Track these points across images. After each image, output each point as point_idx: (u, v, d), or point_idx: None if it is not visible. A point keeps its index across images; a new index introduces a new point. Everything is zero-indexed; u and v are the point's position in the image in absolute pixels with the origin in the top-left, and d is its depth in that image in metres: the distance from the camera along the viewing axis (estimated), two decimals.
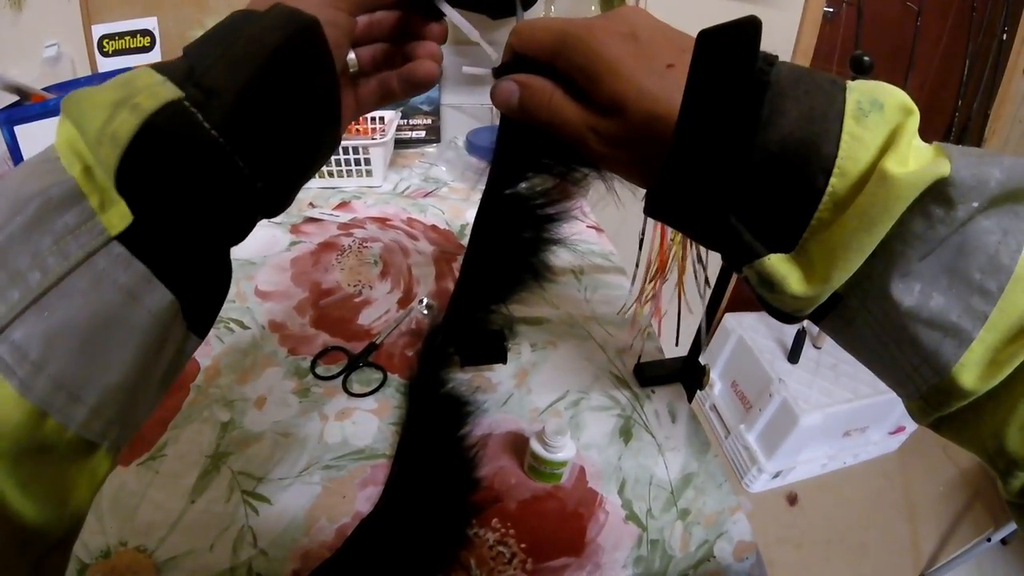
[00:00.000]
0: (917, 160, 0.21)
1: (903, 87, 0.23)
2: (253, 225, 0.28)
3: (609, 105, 0.26)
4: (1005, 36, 1.54)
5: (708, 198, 0.24)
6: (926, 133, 0.22)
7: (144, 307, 0.23)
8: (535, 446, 0.54)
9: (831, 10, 1.43)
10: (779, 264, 0.23)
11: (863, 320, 0.24)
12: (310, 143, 0.29)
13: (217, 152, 0.23)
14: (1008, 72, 1.61)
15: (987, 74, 1.58)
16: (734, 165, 0.23)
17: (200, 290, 0.26)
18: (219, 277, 0.28)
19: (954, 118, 1.62)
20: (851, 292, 0.24)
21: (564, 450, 0.54)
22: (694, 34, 0.28)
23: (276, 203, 0.28)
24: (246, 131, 0.24)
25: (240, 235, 0.28)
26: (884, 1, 1.47)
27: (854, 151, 0.22)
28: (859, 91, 0.22)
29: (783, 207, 0.23)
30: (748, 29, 0.22)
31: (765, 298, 0.26)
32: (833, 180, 0.22)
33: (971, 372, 0.21)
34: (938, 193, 0.21)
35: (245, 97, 0.24)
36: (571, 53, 0.27)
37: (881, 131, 0.22)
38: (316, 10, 0.27)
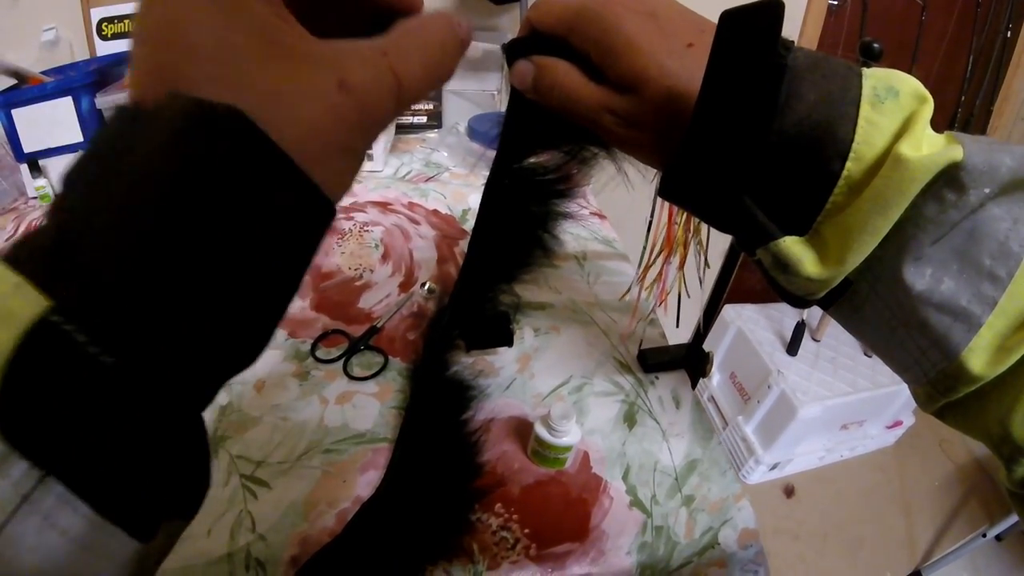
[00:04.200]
0: (930, 146, 0.22)
1: None
2: (218, 388, 0.20)
3: (627, 82, 0.26)
4: (1009, 33, 1.54)
5: (724, 179, 0.24)
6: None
7: (104, 559, 0.17)
8: (540, 431, 0.53)
9: (835, 2, 1.42)
10: (794, 246, 0.23)
11: (873, 304, 0.24)
12: (280, 290, 0.20)
13: (118, 378, 0.15)
14: (1011, 69, 1.61)
15: (990, 70, 1.58)
16: (751, 147, 0.23)
17: (175, 490, 0.19)
18: (192, 456, 0.20)
19: (956, 113, 1.62)
20: (862, 276, 0.24)
21: (569, 435, 0.53)
22: (703, 14, 0.27)
23: (242, 363, 0.20)
24: (159, 329, 0.16)
25: (202, 405, 0.20)
26: None
27: (870, 136, 0.22)
28: (875, 77, 0.23)
29: (798, 190, 0.23)
30: (770, 12, 0.22)
31: (778, 280, 0.26)
32: (849, 164, 0.22)
33: (979, 357, 0.22)
34: (951, 178, 0.21)
35: (142, 284, 0.15)
36: (587, 26, 0.27)
37: (896, 117, 0.22)
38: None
